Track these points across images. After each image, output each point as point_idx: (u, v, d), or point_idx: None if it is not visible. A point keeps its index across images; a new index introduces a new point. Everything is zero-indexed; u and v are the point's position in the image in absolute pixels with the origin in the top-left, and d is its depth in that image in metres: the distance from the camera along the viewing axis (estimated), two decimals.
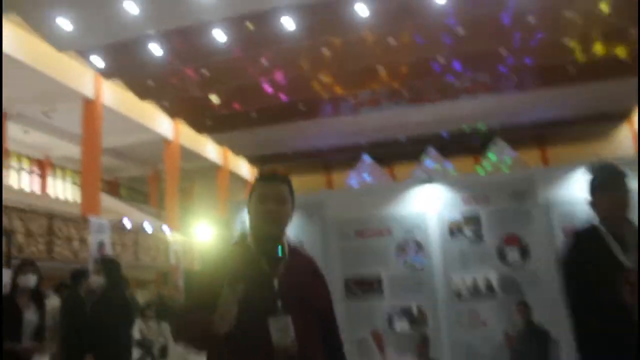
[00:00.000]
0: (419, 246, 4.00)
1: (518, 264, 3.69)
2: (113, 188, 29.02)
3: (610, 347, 2.06)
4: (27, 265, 4.23)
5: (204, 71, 17.37)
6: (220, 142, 26.11)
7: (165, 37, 15.07)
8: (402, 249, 4.07)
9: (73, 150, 18.57)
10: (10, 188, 18.32)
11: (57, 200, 22.15)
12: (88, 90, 16.98)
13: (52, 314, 5.27)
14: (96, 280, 4.05)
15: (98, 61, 16.28)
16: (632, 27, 14.23)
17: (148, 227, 17.58)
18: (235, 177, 28.90)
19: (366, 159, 21.22)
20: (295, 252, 2.13)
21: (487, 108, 20.80)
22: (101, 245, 13.79)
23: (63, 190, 25.32)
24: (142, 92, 18.99)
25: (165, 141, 22.38)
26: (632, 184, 2.36)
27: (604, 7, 14.03)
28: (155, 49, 15.58)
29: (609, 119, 22.24)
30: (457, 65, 17.84)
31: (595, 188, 2.29)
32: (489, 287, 3.75)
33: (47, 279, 8.95)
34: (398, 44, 16.28)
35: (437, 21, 15.06)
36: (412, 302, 3.93)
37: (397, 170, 27.87)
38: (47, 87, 16.29)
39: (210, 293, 1.80)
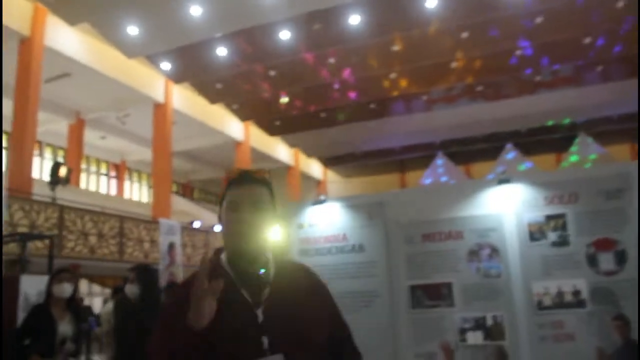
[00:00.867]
0: (495, 251, 3.60)
1: (612, 271, 3.23)
2: (186, 190, 29.78)
3: None
4: (62, 273, 3.98)
5: (272, 72, 17.37)
6: (291, 143, 26.20)
7: (232, 39, 15.16)
8: (475, 254, 3.67)
9: (147, 154, 19.12)
10: (85, 191, 19.03)
11: (131, 202, 22.86)
12: (158, 95, 17.41)
13: (108, 318, 5.22)
14: (130, 288, 3.87)
15: (167, 66, 16.62)
16: None
17: (218, 228, 17.73)
18: (307, 178, 28.95)
19: (440, 157, 20.55)
20: (284, 268, 1.69)
21: (569, 102, 19.66)
22: (171, 246, 13.97)
23: (139, 193, 26.17)
24: (212, 96, 19.26)
25: (236, 143, 22.66)
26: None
27: None
28: (223, 52, 15.72)
29: None
30: (536, 58, 16.93)
31: None
32: (577, 297, 3.30)
33: (119, 280, 9.06)
34: (472, 37, 15.63)
35: (514, 11, 14.30)
36: (486, 313, 3.52)
37: (473, 169, 27.04)
38: (120, 93, 16.86)
39: (181, 341, 1.41)
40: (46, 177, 13.49)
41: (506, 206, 3.60)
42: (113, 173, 24.76)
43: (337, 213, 4.02)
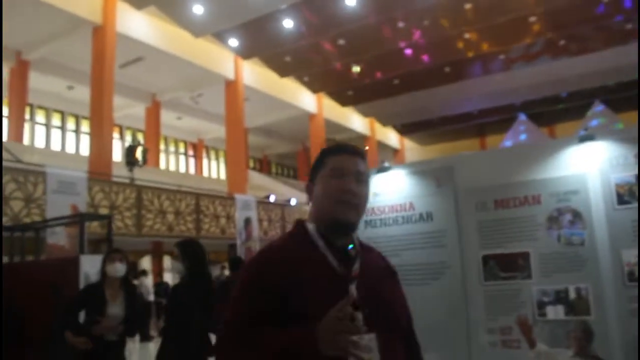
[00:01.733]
0: (577, 216, 3.26)
1: None
2: (263, 165, 30.20)
3: None
4: (114, 253, 3.99)
5: (341, 41, 17.07)
6: (365, 113, 25.89)
7: (297, 10, 14.96)
8: (555, 220, 3.35)
9: (223, 131, 19.44)
10: (164, 171, 19.64)
11: (208, 179, 23.44)
12: (229, 72, 17.58)
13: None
14: (175, 264, 3.79)
15: (234, 42, 16.70)
16: None
17: (293, 201, 17.85)
18: (384, 147, 28.59)
19: (522, 118, 19.59)
20: (367, 249, 1.65)
21: None
22: (247, 221, 14.20)
23: (217, 170, 26.76)
24: (282, 69, 19.23)
25: (310, 116, 22.64)
26: None
27: None
28: (289, 24, 15.57)
29: None
30: (626, 3, 15.62)
31: None
32: None
33: None
34: None
35: None
36: (568, 285, 3.21)
37: (558, 130, 25.70)
38: (191, 73, 17.18)
39: (262, 306, 1.41)
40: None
41: (590, 166, 3.25)
42: (191, 152, 25.43)
43: (403, 180, 3.79)
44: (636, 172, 3.08)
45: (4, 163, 9.76)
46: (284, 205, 17.64)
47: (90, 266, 3.51)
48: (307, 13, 15.19)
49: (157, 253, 15.40)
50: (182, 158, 24.92)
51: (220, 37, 16.47)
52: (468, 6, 15.41)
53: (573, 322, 3.12)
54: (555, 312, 3.19)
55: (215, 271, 12.52)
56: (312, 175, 1.62)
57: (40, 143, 18.46)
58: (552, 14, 16.30)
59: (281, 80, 20.08)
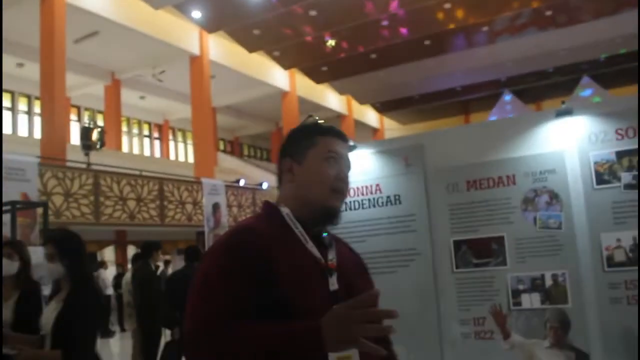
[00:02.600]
0: (555, 197, 3.20)
1: None
2: (235, 147, 29.98)
3: None
4: (4, 247, 3.48)
5: (313, 12, 16.83)
6: (341, 90, 25.76)
7: None
8: (530, 201, 3.29)
9: (189, 111, 19.18)
10: (127, 155, 19.35)
11: (173, 163, 23.17)
12: (193, 47, 17.31)
13: (127, 288, 5.15)
14: (51, 268, 3.35)
15: (198, 14, 16.38)
16: None
17: (265, 185, 17.73)
18: (362, 127, 28.53)
19: (507, 95, 19.64)
20: (337, 239, 1.63)
21: None
22: (216, 206, 14.02)
23: (184, 153, 26.47)
24: (250, 44, 18.97)
25: (282, 94, 22.46)
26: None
27: None
28: None
29: None
30: None
31: None
32: None
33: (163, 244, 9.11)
34: None
35: None
36: (545, 271, 3.17)
37: (545, 106, 25.87)
38: (153, 49, 16.86)
39: (247, 295, 1.32)
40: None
41: (567, 143, 3.18)
42: (156, 134, 25.09)
43: (369, 161, 3.70)
44: (616, 148, 3.03)
45: None
46: (255, 189, 17.52)
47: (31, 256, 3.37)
48: None
49: (120, 243, 15.20)
50: (146, 140, 24.57)
51: (182, 8, 16.15)
52: None
53: (549, 311, 3.07)
54: (531, 301, 3.14)
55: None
56: (295, 152, 1.57)
57: None
58: None
59: (250, 56, 19.82)
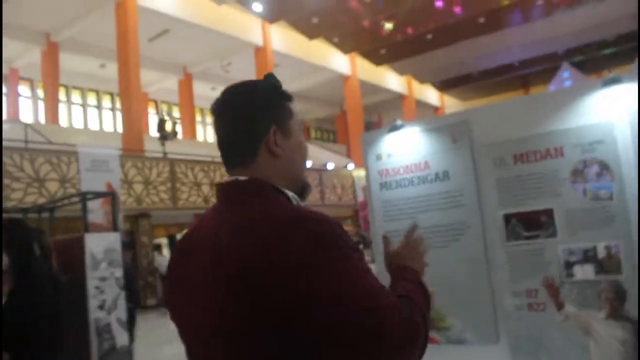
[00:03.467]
0: (605, 168, 2.99)
1: None
2: (303, 131, 30.07)
3: None
4: None
5: None
6: (401, 71, 25.31)
7: None
8: (579, 173, 3.08)
9: None
10: (202, 143, 19.73)
11: None
12: (257, 39, 17.40)
13: None
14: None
15: (258, 7, 16.42)
16: None
17: (330, 166, 17.70)
18: (423, 106, 28.01)
19: (566, 68, 18.74)
20: None
21: None
22: None
23: None
24: (310, 31, 18.87)
25: (344, 78, 22.30)
26: None
27: None
28: None
29: None
30: None
31: None
32: None
33: None
34: None
35: None
36: (597, 242, 2.97)
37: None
38: (220, 43, 17.09)
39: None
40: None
41: (617, 112, 2.96)
42: None
43: (417, 138, 3.57)
44: None
45: (38, 145, 9.95)
46: (321, 170, 17.51)
47: (95, 245, 3.45)
48: None
49: None
50: None
51: (243, 2, 16.22)
52: None
53: (604, 282, 2.89)
54: (584, 272, 2.95)
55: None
56: (281, 122, 1.26)
57: (78, 123, 18.80)
58: None
59: (311, 43, 19.76)
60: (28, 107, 17.62)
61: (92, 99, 19.53)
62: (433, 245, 3.35)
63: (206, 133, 23.85)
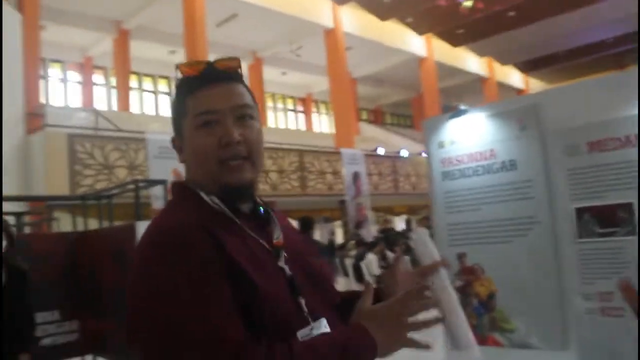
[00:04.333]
0: None
1: None
2: (377, 116, 29.87)
3: None
4: None
5: None
6: (481, 52, 24.58)
7: None
8: None
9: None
10: (270, 129, 19.98)
11: (314, 134, 23.56)
12: (327, 21, 17.35)
13: None
14: None
15: None
16: None
17: (404, 153, 17.45)
18: (506, 88, 27.14)
19: None
20: (273, 210, 1.27)
21: None
22: (356, 176, 14.09)
23: (328, 124, 26.87)
24: (382, 12, 18.62)
25: (419, 60, 21.92)
26: None
27: None
28: None
29: None
30: None
31: None
32: None
33: (304, 213, 9.37)
34: None
35: None
36: None
37: None
38: (289, 26, 17.18)
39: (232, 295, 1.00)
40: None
41: None
42: (300, 107, 25.65)
43: (482, 125, 3.41)
44: None
45: (107, 133, 10.38)
46: (394, 157, 17.31)
47: None
48: None
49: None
50: (291, 114, 25.23)
51: None
52: None
53: None
54: None
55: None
56: (175, 127, 1.22)
57: (150, 110, 19.48)
58: None
59: (384, 25, 19.50)
60: (102, 95, 18.42)
61: (163, 85, 20.17)
62: (497, 241, 3.21)
63: (277, 119, 24.12)
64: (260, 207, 1.22)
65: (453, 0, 18.07)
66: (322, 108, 26.81)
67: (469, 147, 3.41)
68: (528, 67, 27.45)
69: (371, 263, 10.35)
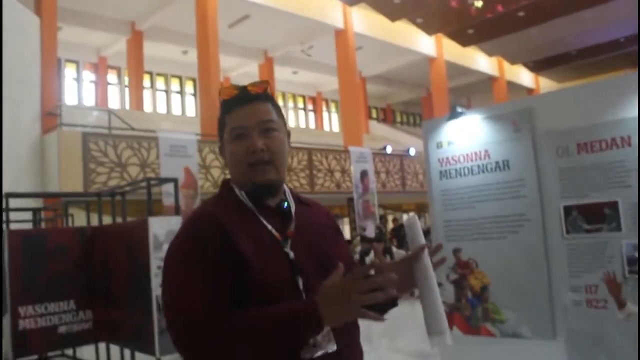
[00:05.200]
0: None
1: None
2: (387, 114, 29.96)
3: None
4: None
5: None
6: (490, 52, 24.58)
7: None
8: None
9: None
10: None
11: (323, 133, 23.68)
12: (337, 21, 17.47)
13: None
14: None
15: None
16: None
17: (412, 151, 17.54)
18: (516, 88, 27.09)
19: None
20: (308, 205, 1.60)
21: None
22: (364, 174, 14.22)
23: (338, 123, 27.01)
24: (392, 13, 18.68)
25: (429, 59, 21.98)
26: None
27: None
28: None
29: None
30: None
31: None
32: None
33: None
34: None
35: None
36: None
37: None
38: (300, 26, 17.30)
39: (225, 276, 1.31)
40: None
41: None
42: (310, 106, 25.81)
43: (478, 126, 3.57)
44: None
45: (120, 132, 10.60)
46: (402, 155, 17.40)
47: (158, 227, 3.71)
48: None
49: None
50: (301, 113, 25.40)
51: None
52: None
53: None
54: None
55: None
56: (219, 137, 1.55)
57: (162, 109, 19.71)
58: None
59: (394, 25, 19.56)
60: (115, 94, 18.69)
61: (175, 84, 20.40)
62: (490, 237, 3.37)
63: (287, 117, 24.32)
64: (285, 203, 1.49)
65: (463, 1, 18.10)
66: (333, 107, 26.94)
67: (465, 147, 3.57)
68: (538, 66, 27.37)
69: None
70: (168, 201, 8.93)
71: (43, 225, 7.70)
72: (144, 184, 4.02)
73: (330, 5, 17.30)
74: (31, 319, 4.41)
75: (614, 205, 2.99)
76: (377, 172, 15.34)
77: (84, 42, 16.89)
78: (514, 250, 3.30)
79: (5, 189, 5.31)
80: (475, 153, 3.56)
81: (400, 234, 14.61)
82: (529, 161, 3.32)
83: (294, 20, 16.59)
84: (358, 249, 11.56)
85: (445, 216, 3.64)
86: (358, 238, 12.14)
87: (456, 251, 3.54)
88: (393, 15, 18.91)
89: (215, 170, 11.17)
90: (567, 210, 3.14)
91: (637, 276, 2.91)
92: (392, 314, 1.38)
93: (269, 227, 1.41)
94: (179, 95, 20.41)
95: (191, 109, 20.53)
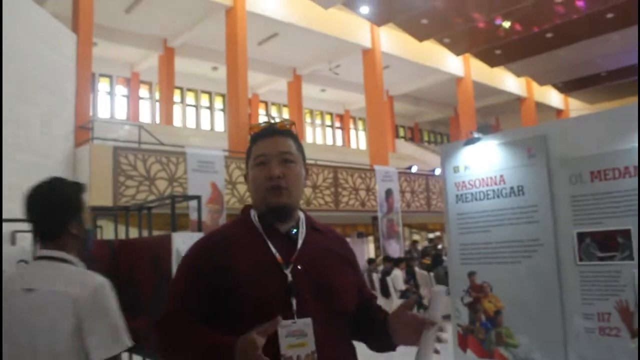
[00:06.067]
0: None
1: None
2: (415, 134, 29.92)
3: None
4: None
5: None
6: (519, 72, 24.43)
7: None
8: None
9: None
10: (307, 145, 20.25)
11: (356, 151, 23.73)
12: (365, 41, 17.62)
13: None
14: None
15: (366, 10, 16.66)
16: None
17: (437, 171, 17.51)
18: (544, 109, 26.85)
19: None
20: (321, 231, 1.72)
21: None
22: (389, 192, 14.24)
23: (365, 140, 27.05)
24: (420, 33, 18.76)
25: (457, 79, 21.97)
26: None
27: None
28: None
29: None
30: None
31: None
32: None
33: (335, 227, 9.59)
34: None
35: None
36: None
37: None
38: (328, 45, 17.53)
39: (200, 288, 1.53)
40: None
41: None
42: (338, 123, 25.93)
43: (494, 152, 3.62)
44: None
45: (149, 146, 10.82)
46: (428, 175, 17.38)
47: (181, 242, 3.82)
48: None
49: None
50: (329, 130, 25.54)
51: (350, 5, 16.50)
52: None
53: None
54: None
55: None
56: (247, 164, 1.71)
57: (191, 124, 20.05)
58: None
59: (422, 45, 19.64)
60: (147, 109, 19.08)
61: (205, 100, 20.74)
62: (504, 261, 3.40)
63: (315, 134, 24.48)
64: (295, 229, 1.62)
65: (490, 21, 18.10)
66: (360, 124, 27.02)
67: (481, 172, 3.61)
68: (568, 87, 27.10)
69: (397, 278, 10.50)
70: (194, 216, 9.09)
71: None
72: (168, 200, 4.14)
73: (358, 25, 17.47)
74: None
75: (626, 234, 3.00)
76: (402, 192, 15.34)
77: (117, 57, 17.35)
78: (528, 275, 3.31)
79: None
80: (491, 178, 3.59)
81: (429, 253, 14.51)
82: (542, 187, 3.34)
83: (322, 40, 16.82)
84: (381, 267, 11.58)
85: (460, 239, 3.67)
86: (381, 257, 12.16)
87: (471, 274, 3.57)
88: (420, 35, 18.99)
89: (241, 187, 11.32)
90: (580, 237, 3.16)
91: None
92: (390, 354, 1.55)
93: (273, 249, 1.54)
94: (208, 111, 20.73)
95: (220, 124, 20.83)
